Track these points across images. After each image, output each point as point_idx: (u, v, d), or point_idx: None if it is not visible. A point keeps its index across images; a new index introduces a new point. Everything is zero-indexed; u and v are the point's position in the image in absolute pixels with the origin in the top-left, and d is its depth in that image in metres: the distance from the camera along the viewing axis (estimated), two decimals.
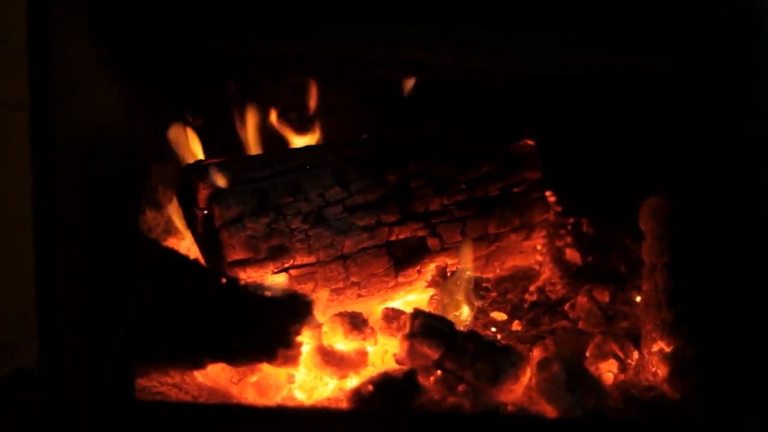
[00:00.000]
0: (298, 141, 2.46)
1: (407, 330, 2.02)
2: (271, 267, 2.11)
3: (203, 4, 1.70)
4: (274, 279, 2.10)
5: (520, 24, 1.70)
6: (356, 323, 2.09)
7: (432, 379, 1.96)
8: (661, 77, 1.84)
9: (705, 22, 1.68)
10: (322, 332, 2.07)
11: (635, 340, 2.14)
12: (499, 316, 2.31)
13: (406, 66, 1.96)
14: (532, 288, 2.40)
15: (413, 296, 2.33)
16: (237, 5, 1.70)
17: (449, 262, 2.30)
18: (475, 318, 2.23)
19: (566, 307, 2.32)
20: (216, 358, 1.92)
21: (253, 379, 1.98)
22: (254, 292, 1.95)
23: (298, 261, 2.14)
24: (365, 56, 1.82)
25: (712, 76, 1.76)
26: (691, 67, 1.77)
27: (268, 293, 1.96)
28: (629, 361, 2.10)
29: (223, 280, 1.95)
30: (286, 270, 2.13)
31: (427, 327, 2.00)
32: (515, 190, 2.39)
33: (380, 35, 1.73)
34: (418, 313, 2.05)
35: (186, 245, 2.30)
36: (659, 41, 1.73)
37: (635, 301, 2.29)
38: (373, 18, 1.70)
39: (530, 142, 2.44)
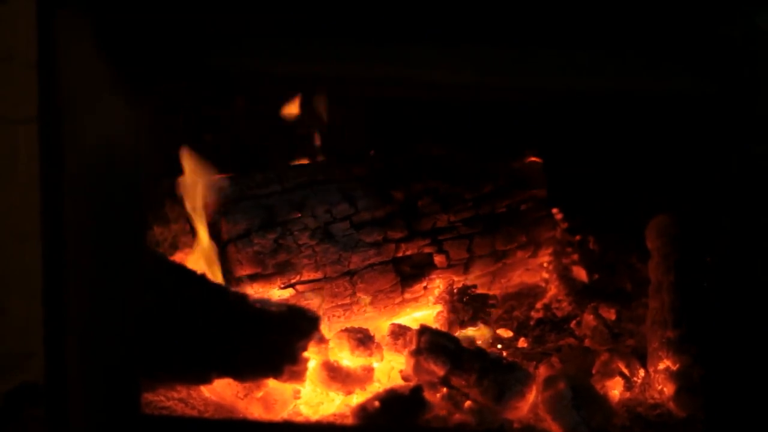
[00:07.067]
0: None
1: (413, 346, 2.02)
2: (278, 282, 2.11)
3: (210, 22, 1.72)
4: (281, 294, 2.11)
5: (530, 43, 1.71)
6: (362, 339, 2.09)
7: (438, 395, 1.96)
8: (671, 97, 1.85)
9: (716, 43, 1.69)
10: (329, 348, 2.07)
11: (641, 358, 2.13)
12: (506, 333, 2.30)
13: (415, 84, 1.96)
14: (538, 305, 2.40)
15: (420, 312, 2.33)
16: (244, 23, 1.71)
17: (456, 279, 2.30)
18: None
19: (572, 324, 2.32)
20: (222, 373, 1.92)
21: (259, 394, 1.98)
22: (261, 308, 1.95)
23: (305, 276, 2.14)
24: (373, 75, 1.83)
25: (722, 97, 1.77)
26: (702, 87, 1.77)
27: (274, 308, 1.96)
28: (635, 379, 2.09)
29: (230, 296, 1.96)
30: (292, 285, 2.13)
31: (433, 343, 2.00)
32: (522, 207, 2.40)
33: (388, 54, 1.74)
34: (424, 330, 2.05)
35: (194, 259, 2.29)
36: (669, 61, 1.73)
37: (641, 319, 2.28)
38: (381, 37, 1.71)
39: (537, 160, 2.45)
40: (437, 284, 2.29)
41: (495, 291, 2.40)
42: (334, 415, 2.00)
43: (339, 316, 2.19)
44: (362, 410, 1.91)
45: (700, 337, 2.01)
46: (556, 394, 1.94)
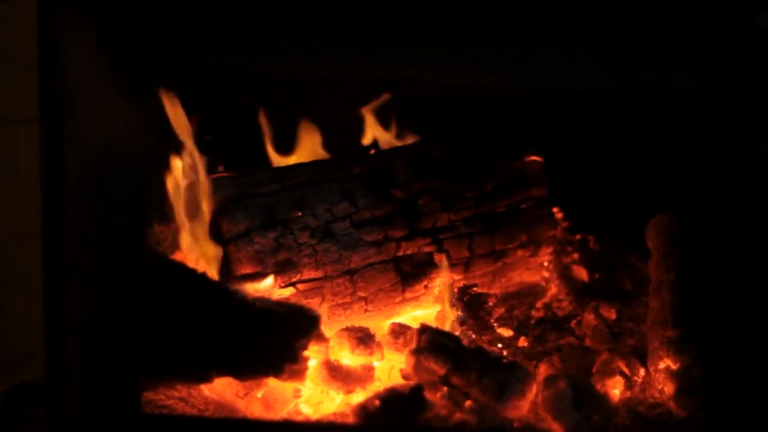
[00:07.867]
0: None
1: (414, 345, 2.02)
2: (279, 281, 2.11)
3: (210, 22, 1.72)
4: (281, 293, 2.11)
5: (530, 43, 1.71)
6: (363, 338, 2.09)
7: (438, 394, 1.97)
8: (671, 97, 1.84)
9: (716, 43, 1.69)
10: (329, 347, 2.07)
11: (642, 357, 2.13)
12: (506, 332, 2.30)
13: (415, 84, 1.97)
14: (538, 304, 2.40)
15: (420, 311, 2.32)
16: (244, 23, 1.71)
17: (456, 278, 2.30)
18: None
19: (573, 323, 2.31)
20: (222, 372, 1.93)
21: (260, 393, 1.98)
22: (261, 306, 1.95)
23: (306, 275, 2.14)
24: (373, 75, 1.83)
25: (723, 97, 1.77)
26: (702, 87, 1.77)
27: (275, 307, 1.96)
28: (636, 378, 2.09)
29: (230, 295, 1.96)
30: (293, 284, 2.13)
31: (433, 342, 2.01)
32: (522, 206, 2.39)
33: (388, 54, 1.74)
34: (424, 329, 2.05)
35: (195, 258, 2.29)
36: (670, 61, 1.73)
37: (642, 319, 2.28)
38: (381, 37, 1.71)
39: (538, 159, 2.45)
40: (438, 283, 2.28)
41: (495, 290, 2.39)
42: (335, 414, 2.00)
43: (339, 315, 2.19)
44: (363, 409, 1.91)
45: (700, 337, 2.01)
46: (556, 393, 1.94)
